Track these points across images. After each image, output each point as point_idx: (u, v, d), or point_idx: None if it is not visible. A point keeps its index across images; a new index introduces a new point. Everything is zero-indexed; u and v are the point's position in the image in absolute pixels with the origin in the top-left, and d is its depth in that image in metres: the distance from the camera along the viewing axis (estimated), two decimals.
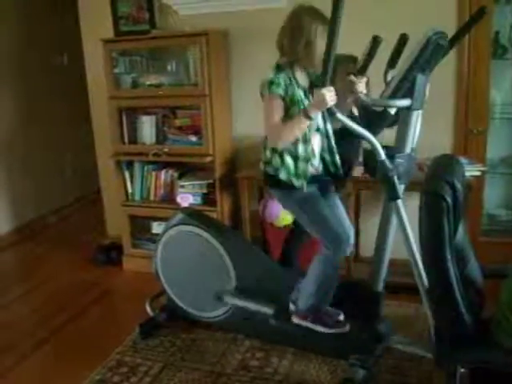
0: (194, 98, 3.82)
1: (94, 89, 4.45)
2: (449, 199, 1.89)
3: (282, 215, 3.65)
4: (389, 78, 2.56)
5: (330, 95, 2.31)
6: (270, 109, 2.53)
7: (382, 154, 2.41)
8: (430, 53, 2.23)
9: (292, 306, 2.89)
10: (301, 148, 2.62)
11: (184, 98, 3.88)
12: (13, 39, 5.15)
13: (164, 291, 3.33)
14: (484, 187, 3.70)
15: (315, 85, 2.53)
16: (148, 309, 3.30)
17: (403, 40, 2.51)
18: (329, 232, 2.69)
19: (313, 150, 2.68)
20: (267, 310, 2.97)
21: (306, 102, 2.57)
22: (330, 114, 2.38)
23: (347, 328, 2.78)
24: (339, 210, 2.82)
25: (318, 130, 2.70)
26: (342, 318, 2.83)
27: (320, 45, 2.43)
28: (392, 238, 2.66)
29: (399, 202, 2.46)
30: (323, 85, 2.32)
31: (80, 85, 4.67)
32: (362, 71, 2.57)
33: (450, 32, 2.43)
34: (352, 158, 3.11)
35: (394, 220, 2.58)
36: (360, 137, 2.51)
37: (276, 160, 2.66)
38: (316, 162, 2.74)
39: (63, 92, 5.69)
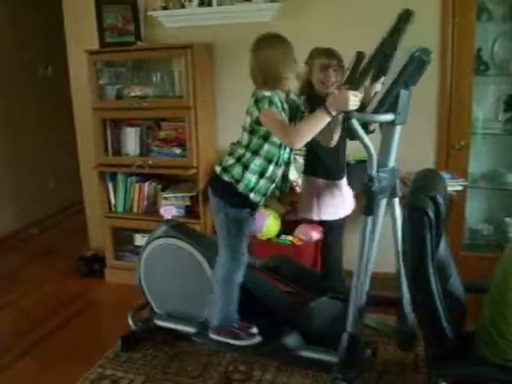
0: (178, 110, 3.82)
1: (78, 100, 4.44)
2: (431, 214, 1.91)
3: (265, 229, 3.65)
4: (372, 92, 2.59)
5: (354, 99, 2.33)
6: (277, 119, 2.53)
7: (374, 169, 2.43)
8: (413, 68, 2.26)
9: (211, 324, 2.98)
10: (271, 169, 2.68)
11: (168, 110, 3.88)
12: None
13: (147, 303, 3.31)
14: (466, 202, 3.72)
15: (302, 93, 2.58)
16: (130, 321, 3.28)
17: (386, 56, 2.54)
18: (236, 249, 2.81)
19: (278, 174, 2.76)
20: (190, 329, 3.10)
21: None
22: (348, 117, 2.37)
23: (258, 340, 2.89)
24: (248, 232, 2.90)
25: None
26: (254, 330, 2.92)
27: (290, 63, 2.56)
28: (374, 252, 2.67)
29: (370, 218, 2.48)
30: (352, 88, 2.34)
31: (64, 96, 4.65)
32: (352, 84, 2.58)
33: (433, 48, 2.45)
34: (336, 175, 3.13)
35: (377, 234, 2.60)
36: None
37: (237, 170, 2.69)
38: (273, 185, 2.79)
39: (47, 103, 5.67)
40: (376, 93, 2.52)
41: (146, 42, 4.05)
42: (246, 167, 2.67)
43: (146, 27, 4.08)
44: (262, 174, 2.68)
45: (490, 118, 3.84)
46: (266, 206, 3.53)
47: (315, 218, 3.06)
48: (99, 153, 4.10)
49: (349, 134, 2.56)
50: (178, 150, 3.92)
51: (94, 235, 4.70)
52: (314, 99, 2.84)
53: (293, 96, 2.74)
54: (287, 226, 3.79)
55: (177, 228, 3.21)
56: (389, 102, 2.34)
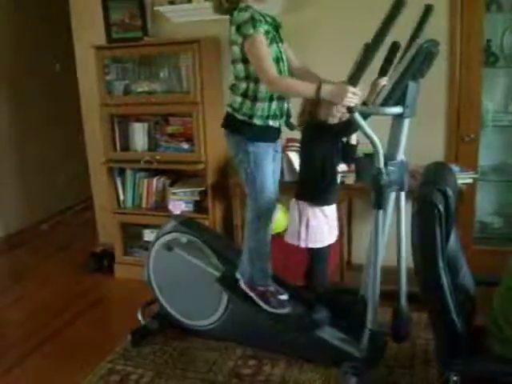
0: (185, 105, 3.82)
1: (86, 96, 4.45)
2: (441, 207, 1.89)
3: (274, 223, 3.64)
4: (381, 85, 2.57)
5: (351, 96, 2.30)
6: (262, 51, 2.45)
7: (382, 162, 2.41)
8: (422, 60, 2.24)
9: (238, 274, 2.96)
10: None
11: (176, 106, 3.88)
12: (4, 47, 5.14)
13: (156, 299, 3.31)
14: (476, 195, 3.71)
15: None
16: (139, 316, 3.28)
17: (395, 48, 2.52)
18: (260, 195, 2.76)
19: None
20: (212, 271, 3.04)
21: (280, 44, 2.61)
22: (349, 111, 2.35)
23: (287, 310, 2.87)
24: (278, 169, 2.87)
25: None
26: (284, 297, 2.92)
27: None
28: (384, 246, 2.66)
29: (381, 212, 2.47)
30: (352, 83, 2.32)
31: (72, 92, 4.65)
32: (353, 80, 2.57)
33: (442, 40, 2.43)
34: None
35: (386, 228, 2.59)
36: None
37: (248, 106, 2.64)
38: (285, 103, 2.73)
39: (56, 99, 5.68)
40: (384, 86, 2.50)
41: (152, 37, 4.04)
42: (254, 99, 2.61)
43: (152, 22, 4.08)
44: (271, 98, 2.62)
45: (499, 110, 3.82)
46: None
47: (302, 245, 2.94)
48: (107, 149, 4.10)
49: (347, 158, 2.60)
50: (185, 145, 3.91)
51: (103, 231, 4.72)
52: (315, 128, 2.80)
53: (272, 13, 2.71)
54: None
55: (185, 223, 3.21)
56: (397, 95, 2.33)
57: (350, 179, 3.54)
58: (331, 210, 2.93)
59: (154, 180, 4.16)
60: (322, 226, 2.86)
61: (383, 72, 2.60)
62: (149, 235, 4.10)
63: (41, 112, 5.57)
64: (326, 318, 2.86)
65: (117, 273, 4.30)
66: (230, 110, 2.73)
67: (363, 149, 3.32)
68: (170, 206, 3.96)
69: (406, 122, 2.42)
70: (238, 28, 2.47)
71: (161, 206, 4.13)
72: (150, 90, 3.94)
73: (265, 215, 2.81)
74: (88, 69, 4.15)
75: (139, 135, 4.07)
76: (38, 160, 5.57)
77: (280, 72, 2.59)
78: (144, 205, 4.20)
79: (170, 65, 3.95)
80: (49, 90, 5.65)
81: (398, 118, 2.41)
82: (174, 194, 4.03)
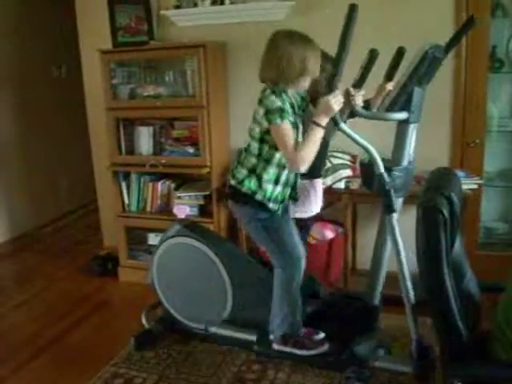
0: (191, 109, 3.82)
1: (91, 100, 4.46)
2: (445, 212, 1.89)
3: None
4: (386, 90, 2.57)
5: (335, 100, 2.32)
6: (287, 138, 2.48)
7: (382, 167, 2.41)
8: (427, 66, 2.24)
9: (271, 335, 2.92)
10: (284, 174, 2.66)
11: (181, 110, 3.88)
12: (10, 51, 5.16)
13: (160, 303, 3.31)
14: (481, 200, 3.70)
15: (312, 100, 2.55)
16: (143, 320, 3.28)
17: (400, 53, 2.52)
18: (287, 253, 2.76)
19: (291, 178, 2.74)
20: (250, 337, 3.02)
21: (300, 127, 2.61)
22: (334, 123, 2.37)
23: (326, 347, 2.82)
24: (294, 231, 2.84)
25: None
26: (321, 337, 2.88)
27: (310, 61, 2.45)
28: (389, 251, 2.66)
29: (394, 215, 2.46)
30: (329, 91, 2.33)
31: (78, 96, 4.67)
32: (359, 84, 2.57)
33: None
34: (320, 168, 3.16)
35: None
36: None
37: (253, 182, 2.66)
38: (289, 188, 2.77)
39: (61, 103, 5.70)
40: (389, 91, 2.50)
41: (158, 41, 4.06)
42: (260, 178, 2.64)
43: (158, 26, 4.09)
44: (276, 182, 2.66)
45: (505, 116, 3.82)
46: None
47: (315, 212, 3.10)
48: (113, 152, 4.11)
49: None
50: (191, 149, 3.92)
51: (108, 234, 4.73)
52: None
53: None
54: (301, 225, 3.77)
55: (190, 227, 3.21)
56: (402, 101, 2.33)
57: (355, 184, 3.54)
58: (318, 181, 3.11)
59: (159, 184, 4.16)
60: (308, 197, 3.05)
61: (389, 77, 2.60)
62: (153, 239, 4.10)
63: (46, 115, 5.58)
64: (369, 350, 2.79)
65: (121, 276, 4.30)
66: (233, 182, 2.74)
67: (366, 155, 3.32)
68: (175, 210, 3.95)
69: (412, 128, 2.42)
70: (266, 113, 2.50)
71: (165, 209, 4.13)
72: (155, 94, 3.94)
73: (295, 274, 2.79)
74: (94, 72, 4.16)
75: (144, 139, 4.07)
76: (43, 163, 5.58)
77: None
78: (149, 208, 4.20)
79: (176, 69, 3.96)
80: (54, 93, 5.67)
81: (404, 123, 2.41)
82: (178, 197, 4.03)
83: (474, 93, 3.54)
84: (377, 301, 2.81)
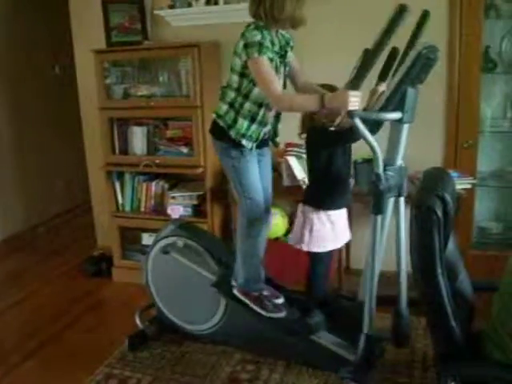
0: (185, 109, 3.82)
1: (85, 99, 4.44)
2: (439, 212, 1.89)
3: (272, 228, 3.64)
4: (380, 90, 2.57)
5: (354, 100, 2.31)
6: (267, 73, 2.48)
7: (381, 168, 2.41)
8: (421, 66, 2.24)
9: (233, 280, 2.97)
10: (262, 112, 2.67)
11: (175, 109, 3.88)
12: (3, 49, 5.14)
13: (154, 303, 3.31)
14: (474, 200, 3.71)
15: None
16: (137, 321, 3.28)
17: (394, 53, 2.53)
18: (250, 198, 2.80)
19: (269, 117, 2.74)
20: (210, 276, 3.04)
21: (282, 69, 2.63)
22: (350, 117, 2.36)
23: (283, 314, 2.89)
24: (266, 174, 2.90)
25: None
26: (280, 301, 2.93)
27: (289, 7, 2.48)
28: (383, 251, 2.66)
29: (379, 217, 2.47)
30: (353, 88, 2.33)
31: (72, 95, 4.66)
32: (353, 85, 2.57)
33: (441, 46, 2.44)
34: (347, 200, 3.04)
35: (384, 233, 2.59)
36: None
37: (230, 116, 2.69)
38: (268, 128, 2.78)
39: (54, 103, 5.68)
40: (383, 92, 2.50)
41: (152, 41, 4.05)
42: (237, 112, 2.67)
43: (152, 26, 4.09)
44: (252, 119, 2.67)
45: (498, 116, 3.82)
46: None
47: (305, 249, 2.92)
48: (106, 152, 4.10)
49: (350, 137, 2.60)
50: (185, 149, 3.91)
51: (102, 235, 4.72)
52: (318, 133, 2.80)
53: (281, 31, 2.71)
54: None
55: (184, 227, 3.21)
56: (396, 101, 2.33)
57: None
58: (338, 215, 2.89)
59: (153, 184, 4.15)
60: (325, 231, 2.84)
61: (382, 77, 2.60)
62: (147, 239, 4.09)
63: (39, 115, 5.57)
64: (322, 322, 2.87)
65: (115, 277, 4.29)
66: (214, 115, 2.79)
67: (362, 154, 3.33)
68: (169, 210, 3.95)
69: (405, 128, 2.42)
70: (245, 46, 2.51)
71: (159, 209, 4.12)
72: (149, 93, 3.94)
73: (255, 219, 2.84)
74: (87, 72, 4.15)
75: (138, 139, 4.07)
76: (37, 163, 5.56)
77: None
78: (143, 208, 4.20)
79: (170, 69, 3.96)
80: (48, 92, 5.65)
81: (397, 123, 2.41)
82: (172, 197, 4.02)
83: (467, 93, 3.55)
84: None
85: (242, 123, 2.67)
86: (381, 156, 2.41)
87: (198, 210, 4.01)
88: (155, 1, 4.05)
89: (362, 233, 3.80)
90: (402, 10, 2.33)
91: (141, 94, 3.95)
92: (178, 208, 3.93)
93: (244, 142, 2.70)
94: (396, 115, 2.36)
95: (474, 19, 3.41)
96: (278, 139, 2.93)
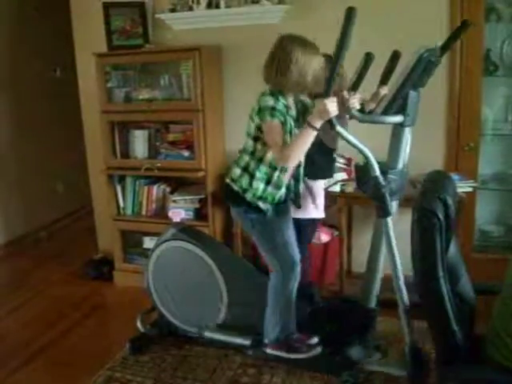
0: (186, 112, 3.83)
1: (86, 103, 4.44)
2: (441, 216, 1.89)
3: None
4: (381, 94, 2.58)
5: (332, 105, 2.32)
6: (275, 133, 2.50)
7: (377, 170, 2.41)
8: (422, 70, 2.25)
9: (265, 339, 2.91)
10: (276, 175, 2.66)
11: (177, 113, 3.88)
12: (4, 52, 5.15)
13: (155, 306, 3.30)
14: (475, 203, 3.71)
15: (315, 96, 2.55)
16: (139, 324, 3.28)
17: (395, 57, 2.53)
18: (281, 257, 2.75)
19: (285, 179, 2.73)
20: (244, 342, 3.00)
21: (296, 131, 2.59)
22: (331, 126, 2.37)
23: (319, 350, 2.82)
24: (292, 236, 2.83)
25: None
26: (314, 341, 2.86)
27: (311, 72, 2.48)
28: (384, 254, 2.66)
29: (389, 219, 2.47)
30: (326, 95, 2.33)
31: (73, 99, 4.66)
32: (354, 87, 2.58)
33: None
34: (326, 173, 3.21)
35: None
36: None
37: (245, 180, 2.68)
38: (283, 190, 2.76)
39: (56, 106, 5.68)
40: (384, 95, 2.51)
41: (154, 44, 4.05)
42: (252, 176, 2.66)
43: (153, 30, 4.09)
44: (268, 181, 2.67)
45: (499, 119, 3.83)
46: None
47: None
48: (108, 156, 4.10)
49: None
50: (186, 153, 3.91)
51: (103, 238, 4.71)
52: None
53: (302, 96, 2.72)
54: None
55: (185, 231, 3.21)
56: (398, 104, 2.33)
57: (350, 187, 3.54)
58: (317, 185, 3.10)
59: (154, 187, 4.16)
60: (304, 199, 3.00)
61: (384, 81, 2.60)
62: (148, 242, 4.09)
63: (41, 118, 5.57)
64: (362, 354, 2.79)
65: (116, 280, 4.29)
66: (228, 180, 2.78)
67: (361, 157, 3.33)
68: (170, 214, 3.95)
69: (407, 131, 2.43)
70: (259, 111, 2.54)
71: (161, 213, 4.13)
72: (150, 97, 3.94)
73: (288, 278, 2.78)
74: (89, 75, 4.16)
75: (139, 142, 4.07)
76: (38, 167, 5.56)
77: None
78: (144, 212, 4.20)
79: (171, 72, 3.96)
80: (49, 95, 5.65)
81: (399, 126, 2.42)
82: (174, 201, 4.03)
83: (469, 96, 3.55)
84: (373, 304, 2.81)
85: (258, 186, 2.66)
86: (374, 158, 2.41)
87: (200, 214, 4.01)
88: (156, 4, 4.05)
89: (363, 236, 3.81)
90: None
91: (142, 98, 3.96)
92: (179, 211, 3.93)
93: (261, 204, 2.69)
94: (398, 118, 2.37)
95: (474, 22, 3.41)
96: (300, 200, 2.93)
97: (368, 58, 2.57)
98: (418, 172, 3.16)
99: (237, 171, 2.72)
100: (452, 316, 1.95)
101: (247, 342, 2.99)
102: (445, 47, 2.45)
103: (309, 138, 2.43)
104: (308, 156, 2.71)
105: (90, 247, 4.85)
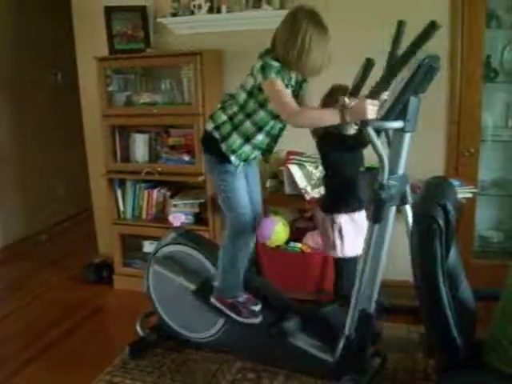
0: (187, 116, 3.83)
1: (87, 107, 4.45)
2: (441, 221, 1.89)
3: (274, 236, 3.64)
4: (382, 99, 2.58)
5: (372, 108, 2.30)
6: (283, 92, 2.46)
7: (386, 177, 2.41)
8: (423, 75, 2.25)
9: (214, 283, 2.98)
10: (260, 137, 2.67)
11: (177, 117, 3.89)
12: (5, 56, 5.16)
13: (155, 311, 3.30)
14: (475, 209, 3.71)
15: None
16: (138, 328, 3.27)
17: (369, 64, 2.55)
18: (233, 209, 2.80)
19: (265, 143, 2.74)
20: (189, 285, 3.04)
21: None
22: (363, 125, 2.36)
23: (259, 319, 2.90)
24: (255, 186, 2.91)
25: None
26: (257, 308, 2.94)
27: (313, 54, 2.46)
28: (384, 260, 2.66)
29: (376, 226, 2.47)
30: (372, 97, 2.34)
31: (74, 103, 4.66)
32: (354, 93, 2.58)
33: (443, 55, 2.44)
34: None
35: (386, 242, 2.58)
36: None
37: (227, 128, 2.67)
38: (259, 152, 2.78)
39: (57, 109, 5.70)
40: (385, 101, 2.51)
41: (155, 48, 4.06)
42: (235, 128, 2.65)
43: (155, 34, 4.10)
44: (247, 139, 2.66)
45: (499, 125, 3.83)
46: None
47: (340, 255, 3.03)
48: (108, 159, 4.11)
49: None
50: (186, 157, 3.92)
51: (103, 242, 4.72)
52: (329, 139, 2.88)
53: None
54: (296, 234, 3.77)
55: (185, 235, 3.21)
56: (398, 110, 2.34)
57: None
58: (361, 216, 2.99)
59: (155, 191, 4.16)
60: (355, 233, 2.94)
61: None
62: (148, 247, 4.09)
63: (42, 122, 5.58)
64: (297, 325, 2.89)
65: (116, 284, 4.29)
66: (210, 127, 2.75)
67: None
68: (170, 218, 3.95)
69: (407, 137, 2.43)
70: (263, 67, 2.50)
71: (161, 217, 4.13)
72: (151, 101, 3.95)
73: (240, 233, 2.84)
74: (90, 79, 4.16)
75: (140, 146, 4.08)
76: (38, 170, 5.57)
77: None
78: (144, 216, 4.20)
79: (172, 76, 3.97)
80: (50, 99, 5.67)
81: (399, 132, 2.42)
82: (174, 205, 4.03)
83: (469, 102, 3.56)
84: (371, 309, 2.81)
85: (235, 139, 2.66)
86: (387, 166, 2.41)
87: (200, 218, 4.02)
88: (158, 9, 4.06)
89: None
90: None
91: (143, 102, 3.97)
92: (179, 216, 3.93)
93: (233, 158, 2.69)
94: (398, 124, 2.37)
95: (475, 29, 3.42)
96: (271, 157, 2.94)
97: (368, 64, 2.57)
98: (418, 177, 3.17)
99: (222, 117, 2.70)
100: (452, 322, 1.95)
101: (192, 286, 3.04)
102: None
103: (333, 120, 2.39)
104: (343, 191, 2.83)
105: (89, 251, 4.85)
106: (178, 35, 4.06)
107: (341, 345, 2.64)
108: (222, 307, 2.94)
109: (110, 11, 4.01)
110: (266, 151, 2.82)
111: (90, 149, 4.58)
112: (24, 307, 4.03)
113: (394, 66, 2.38)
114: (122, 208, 4.23)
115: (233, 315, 2.92)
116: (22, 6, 5.26)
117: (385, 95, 2.57)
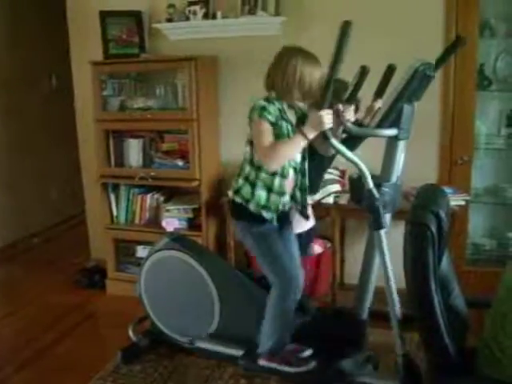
0: (181, 122, 3.83)
1: (81, 111, 4.45)
2: (433, 229, 1.90)
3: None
4: (376, 107, 2.59)
5: (327, 117, 2.32)
6: (262, 132, 2.50)
7: (371, 183, 2.42)
8: (417, 83, 2.26)
9: (258, 350, 2.87)
10: (277, 181, 2.63)
11: (172, 122, 3.89)
12: (0, 59, 5.14)
13: (147, 316, 3.29)
14: (468, 217, 3.72)
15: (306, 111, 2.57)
16: (131, 333, 3.26)
17: (391, 70, 2.55)
18: (280, 270, 2.70)
19: (287, 186, 2.70)
20: (236, 352, 2.96)
21: (285, 134, 2.58)
22: (324, 138, 2.38)
23: (312, 365, 2.77)
24: (293, 249, 2.80)
25: (294, 167, 2.70)
26: (307, 353, 2.83)
27: (309, 81, 2.50)
28: (377, 266, 2.67)
29: (382, 232, 2.47)
30: (321, 107, 2.34)
31: (68, 106, 4.66)
32: (349, 100, 2.59)
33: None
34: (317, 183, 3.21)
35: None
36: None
37: (247, 190, 2.66)
38: (287, 198, 2.73)
39: (51, 113, 5.68)
40: (379, 108, 2.52)
41: (150, 53, 4.07)
42: (253, 185, 2.65)
43: (150, 39, 4.10)
44: (269, 189, 2.64)
45: (492, 133, 3.85)
46: None
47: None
48: (102, 164, 4.10)
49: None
50: (180, 162, 3.92)
51: (96, 246, 4.70)
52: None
53: (301, 104, 2.72)
54: None
55: (179, 240, 3.21)
56: (392, 117, 2.35)
57: (344, 199, 3.55)
58: None
59: (148, 196, 4.16)
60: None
61: (379, 94, 2.62)
62: (142, 251, 4.08)
63: (36, 125, 5.57)
64: (356, 366, 2.77)
65: (109, 289, 4.27)
66: (231, 194, 2.76)
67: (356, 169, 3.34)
68: (164, 223, 3.95)
69: (401, 144, 2.44)
70: (250, 111, 2.56)
71: (154, 222, 4.12)
72: (145, 106, 3.95)
73: (288, 294, 2.73)
74: (84, 83, 4.16)
75: (134, 151, 4.07)
76: (32, 173, 5.55)
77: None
78: (137, 221, 4.19)
79: (167, 82, 3.97)
80: (44, 103, 5.66)
81: (393, 139, 2.43)
82: (167, 210, 4.02)
83: (462, 110, 3.58)
84: (365, 315, 2.81)
85: (260, 194, 2.64)
86: (368, 172, 2.41)
87: (193, 223, 4.01)
88: (153, 14, 4.07)
89: (356, 248, 3.82)
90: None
91: (137, 107, 3.96)
92: (172, 221, 3.93)
93: (264, 213, 2.66)
94: (392, 132, 2.38)
95: (469, 38, 3.44)
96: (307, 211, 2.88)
97: (363, 71, 2.58)
98: (412, 185, 3.18)
99: (239, 181, 2.71)
100: (444, 329, 1.96)
101: (239, 352, 2.97)
102: (439, 62, 2.47)
103: (298, 145, 2.46)
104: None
105: (82, 255, 4.83)
106: (173, 41, 4.07)
107: (402, 368, 2.55)
108: (272, 365, 2.82)
109: (105, 16, 4.02)
110: (299, 203, 2.80)
111: (84, 153, 4.57)
112: (15, 312, 4.00)
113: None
114: (115, 213, 4.22)
115: (286, 369, 2.79)
116: (16, 10, 5.26)
117: (379, 103, 2.59)
